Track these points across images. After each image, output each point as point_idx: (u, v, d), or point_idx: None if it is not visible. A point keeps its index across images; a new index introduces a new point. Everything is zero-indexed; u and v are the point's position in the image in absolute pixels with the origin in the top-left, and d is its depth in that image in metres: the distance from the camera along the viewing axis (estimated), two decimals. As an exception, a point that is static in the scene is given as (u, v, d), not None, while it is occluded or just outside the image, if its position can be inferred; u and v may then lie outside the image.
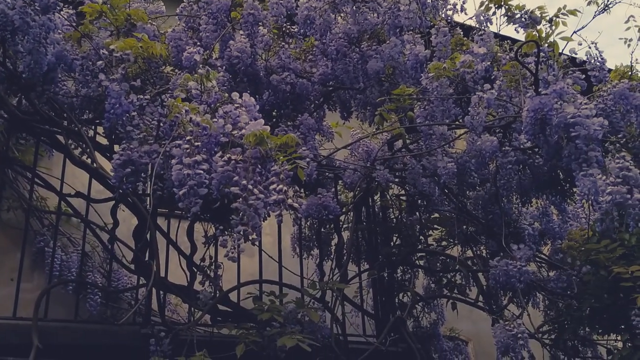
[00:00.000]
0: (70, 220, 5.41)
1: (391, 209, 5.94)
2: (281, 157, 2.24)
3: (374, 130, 4.42)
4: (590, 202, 2.73)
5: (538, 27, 3.60)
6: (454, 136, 4.17)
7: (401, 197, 5.77)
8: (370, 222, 5.39)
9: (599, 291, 3.63)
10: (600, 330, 3.99)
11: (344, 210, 4.85)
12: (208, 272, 3.61)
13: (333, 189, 4.86)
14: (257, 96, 4.38)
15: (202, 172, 2.14)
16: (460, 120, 3.79)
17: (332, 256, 5.49)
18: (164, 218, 4.48)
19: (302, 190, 4.47)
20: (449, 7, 4.30)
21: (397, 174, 4.80)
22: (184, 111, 2.30)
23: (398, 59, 4.03)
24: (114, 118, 2.76)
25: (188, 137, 2.21)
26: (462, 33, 4.35)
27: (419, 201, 5.62)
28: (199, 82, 2.64)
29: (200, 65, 3.37)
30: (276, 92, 4.15)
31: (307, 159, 3.68)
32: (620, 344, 4.40)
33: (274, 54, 4.36)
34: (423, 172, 4.20)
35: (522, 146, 4.08)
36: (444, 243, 6.14)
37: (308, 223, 5.85)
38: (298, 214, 2.22)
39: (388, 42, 4.10)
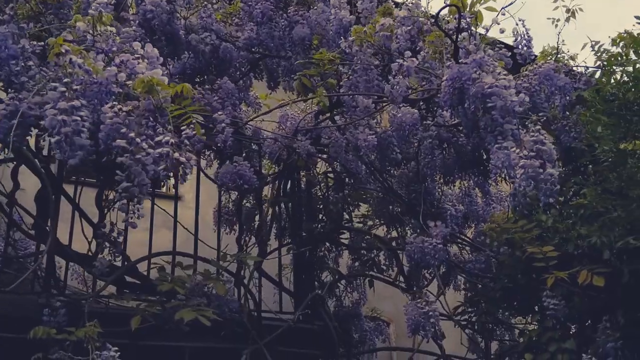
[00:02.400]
0: (-25, 184, 5.07)
1: (318, 186, 5.84)
2: (172, 108, 2.05)
3: (297, 98, 4.27)
4: (503, 176, 2.65)
5: (466, -1, 3.51)
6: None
7: (328, 174, 5.68)
8: (294, 196, 5.26)
9: (513, 272, 3.61)
10: (514, 312, 3.97)
11: (266, 181, 4.70)
12: (111, 239, 3.37)
13: (257, 160, 4.69)
14: (175, 58, 4.16)
15: (79, 118, 1.92)
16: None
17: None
18: (73, 184, 4.21)
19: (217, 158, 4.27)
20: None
21: (324, 149, 4.67)
22: (63, 51, 2.07)
23: (325, 26, 3.87)
24: (-1, 63, 2.49)
25: (65, 80, 1.99)
26: (393, 5, 4.23)
27: (346, 179, 5.55)
28: (91, 25, 2.40)
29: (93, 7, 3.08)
30: (195, 53, 3.92)
31: (223, 124, 3.49)
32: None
33: (195, 14, 4.13)
34: (346, 146, 4.07)
35: (446, 123, 4.01)
36: (369, 222, 6.09)
37: (231, 196, 5.68)
38: (186, 170, 2.04)
39: (315, 7, 3.95)
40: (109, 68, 2.17)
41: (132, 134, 1.98)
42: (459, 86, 2.75)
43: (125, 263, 3.94)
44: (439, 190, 4.95)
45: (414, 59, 3.04)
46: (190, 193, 7.12)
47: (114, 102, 2.17)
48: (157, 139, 1.96)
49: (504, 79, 2.65)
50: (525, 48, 3.77)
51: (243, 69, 4.65)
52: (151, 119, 2.07)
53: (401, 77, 3.05)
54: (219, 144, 3.49)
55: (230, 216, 5.68)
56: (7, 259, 4.28)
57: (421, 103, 3.79)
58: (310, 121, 4.41)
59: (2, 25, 2.46)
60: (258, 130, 4.30)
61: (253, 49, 4.32)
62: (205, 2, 4.11)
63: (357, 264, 5.88)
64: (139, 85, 2.04)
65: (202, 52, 3.93)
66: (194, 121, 2.13)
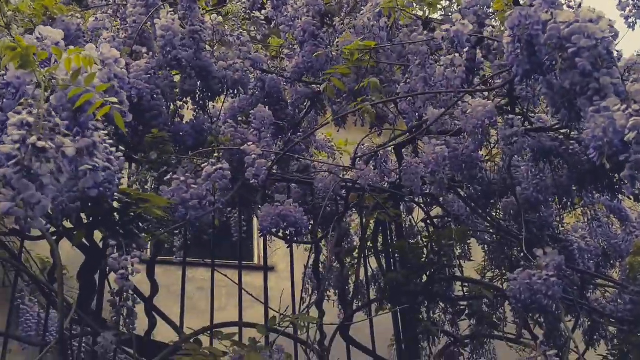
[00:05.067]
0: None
1: (419, 235, 5.02)
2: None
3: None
4: (604, 147, 1.74)
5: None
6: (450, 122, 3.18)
7: (427, 221, 4.84)
8: (386, 247, 4.46)
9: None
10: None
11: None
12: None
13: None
14: (212, 97, 3.63)
15: None
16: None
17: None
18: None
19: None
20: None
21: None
22: None
23: (373, 28, 3.15)
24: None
25: None
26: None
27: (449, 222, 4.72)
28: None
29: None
30: (230, 86, 3.34)
31: (253, 156, 2.86)
32: None
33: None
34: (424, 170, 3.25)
35: (545, 125, 3.10)
36: (488, 274, 5.16)
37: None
38: (56, 161, 1.37)
39: (363, 11, 3.28)
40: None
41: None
42: (526, 38, 1.92)
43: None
44: (557, 218, 3.95)
45: (464, 21, 2.24)
46: (283, 263, 6.54)
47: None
48: (10, 121, 1.33)
49: (589, 10, 1.80)
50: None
51: (302, 106, 4.06)
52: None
53: (456, 54, 2.26)
54: (251, 180, 2.85)
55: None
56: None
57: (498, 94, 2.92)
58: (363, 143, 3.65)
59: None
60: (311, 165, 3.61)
61: (304, 78, 3.70)
62: (241, 30, 3.59)
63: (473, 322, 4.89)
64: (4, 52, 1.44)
65: (235, 83, 3.34)
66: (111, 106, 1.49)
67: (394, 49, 2.82)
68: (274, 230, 2.96)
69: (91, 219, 2.57)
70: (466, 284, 4.65)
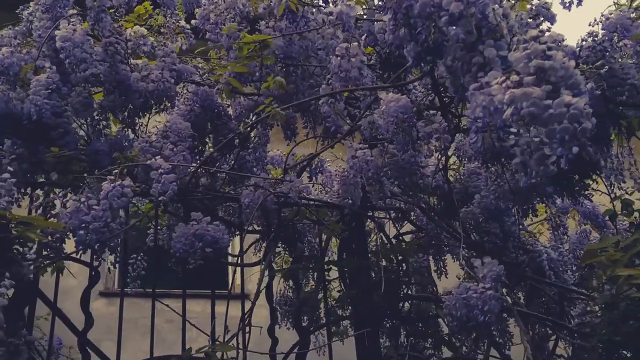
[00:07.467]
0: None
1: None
2: None
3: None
4: (486, 129, 1.47)
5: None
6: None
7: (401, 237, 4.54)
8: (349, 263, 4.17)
9: (614, 317, 2.23)
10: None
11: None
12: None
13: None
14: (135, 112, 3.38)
15: None
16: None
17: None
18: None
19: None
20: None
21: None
22: None
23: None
24: None
25: None
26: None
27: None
28: None
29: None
30: (140, 96, 3.10)
31: (160, 170, 2.60)
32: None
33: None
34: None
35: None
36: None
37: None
38: None
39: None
40: None
41: None
42: (402, 12, 1.65)
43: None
44: (520, 225, 3.63)
45: (351, 3, 1.98)
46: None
47: None
48: None
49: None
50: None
51: (247, 120, 3.79)
52: None
53: (353, 43, 2.00)
54: (159, 198, 2.58)
55: (287, 306, 4.73)
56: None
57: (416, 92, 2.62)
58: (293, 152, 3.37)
59: None
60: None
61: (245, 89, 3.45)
62: (164, 40, 3.36)
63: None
64: None
65: (145, 92, 3.10)
66: None
67: (309, 45, 2.56)
68: (190, 251, 2.69)
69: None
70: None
